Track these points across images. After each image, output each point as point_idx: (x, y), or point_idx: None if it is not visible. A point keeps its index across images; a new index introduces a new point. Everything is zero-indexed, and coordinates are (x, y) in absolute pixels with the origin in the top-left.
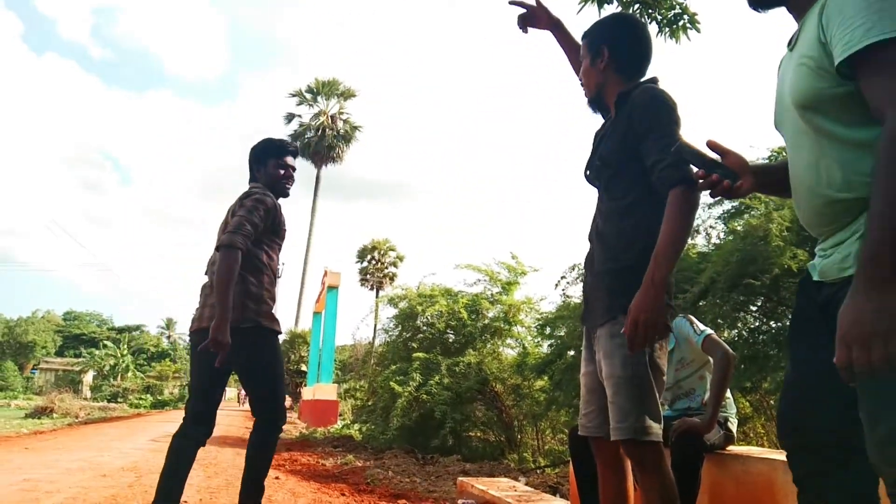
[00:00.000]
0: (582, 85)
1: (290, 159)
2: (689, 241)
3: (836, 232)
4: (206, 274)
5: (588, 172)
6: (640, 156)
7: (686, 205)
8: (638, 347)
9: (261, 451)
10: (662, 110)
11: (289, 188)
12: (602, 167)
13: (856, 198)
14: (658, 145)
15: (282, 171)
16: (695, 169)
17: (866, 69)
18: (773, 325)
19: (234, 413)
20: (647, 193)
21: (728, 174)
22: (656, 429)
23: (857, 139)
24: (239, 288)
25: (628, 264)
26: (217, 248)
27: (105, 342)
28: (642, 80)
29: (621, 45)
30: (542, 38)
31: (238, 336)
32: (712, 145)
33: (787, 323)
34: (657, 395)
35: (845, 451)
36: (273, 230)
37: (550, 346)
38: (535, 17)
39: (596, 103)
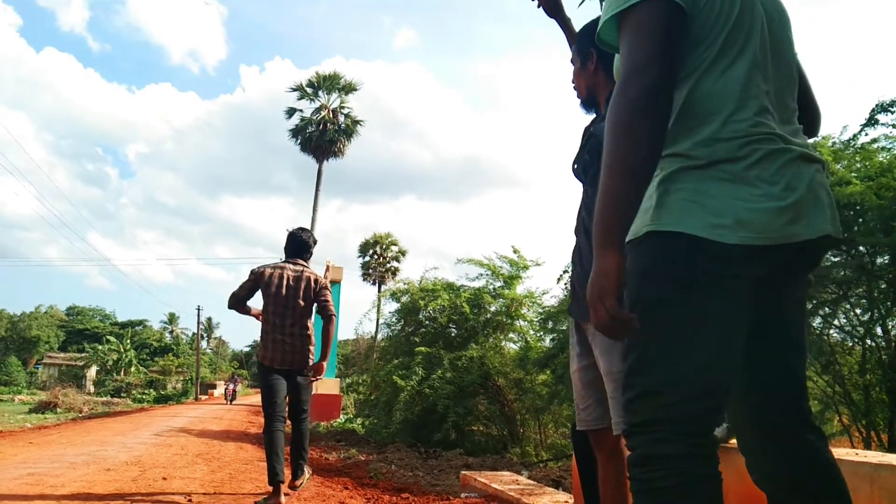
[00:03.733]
0: (574, 88)
1: None
2: None
3: None
4: (281, 313)
5: (576, 166)
6: None
7: None
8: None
9: (300, 436)
10: None
11: None
12: (591, 161)
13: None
14: None
15: None
16: None
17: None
18: None
19: (234, 408)
20: None
21: None
22: None
23: None
24: (308, 341)
25: None
26: (327, 317)
27: (108, 337)
28: None
29: None
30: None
31: (301, 371)
32: None
33: None
34: None
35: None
36: None
37: (553, 340)
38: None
39: (588, 104)
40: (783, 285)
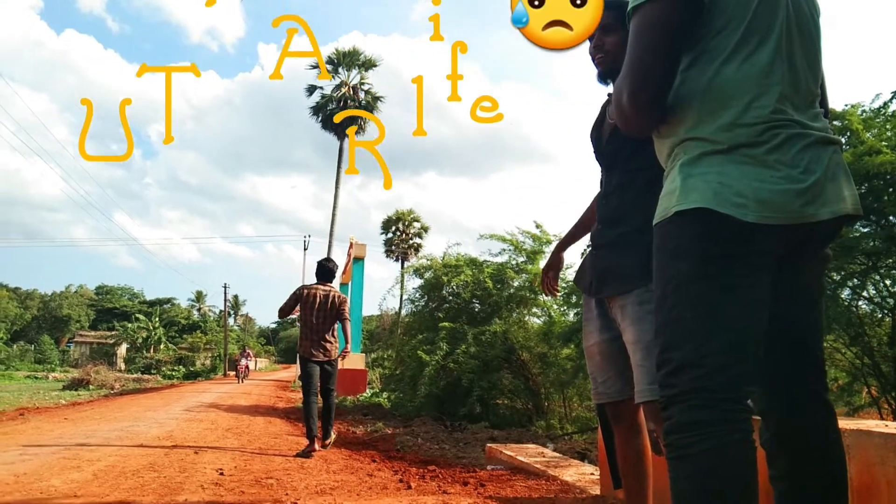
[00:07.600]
0: (602, 58)
1: None
2: None
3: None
4: (315, 322)
5: (606, 146)
6: None
7: None
8: None
9: (329, 409)
10: None
11: None
12: (627, 138)
13: (669, 141)
14: None
15: None
16: None
17: None
18: None
19: (262, 384)
20: None
21: None
22: None
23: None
24: (333, 339)
25: None
26: (343, 319)
27: (137, 315)
28: None
29: None
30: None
31: (332, 362)
32: None
33: None
34: None
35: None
36: None
37: (576, 314)
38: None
39: (609, 76)
40: (801, 264)
